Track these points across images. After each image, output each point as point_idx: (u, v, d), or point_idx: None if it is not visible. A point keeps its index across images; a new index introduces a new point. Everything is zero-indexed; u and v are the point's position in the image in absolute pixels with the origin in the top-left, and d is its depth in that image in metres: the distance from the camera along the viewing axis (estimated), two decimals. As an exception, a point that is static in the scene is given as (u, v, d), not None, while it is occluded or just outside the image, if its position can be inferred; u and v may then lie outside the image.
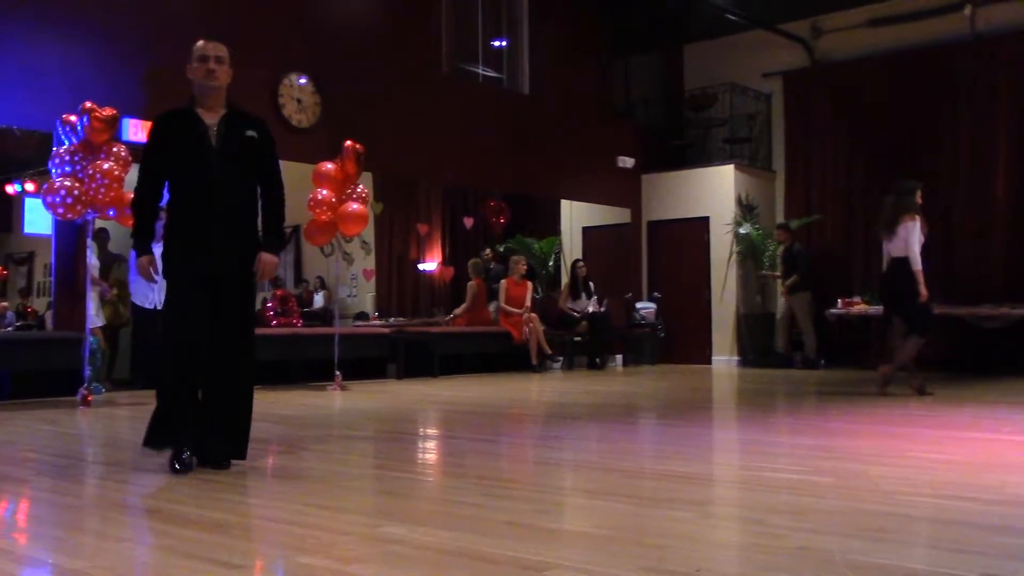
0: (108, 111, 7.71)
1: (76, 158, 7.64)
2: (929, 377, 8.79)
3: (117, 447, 5.56)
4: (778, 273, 13.43)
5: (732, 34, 14.59)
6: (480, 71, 13.14)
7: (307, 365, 10.21)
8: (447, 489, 4.12)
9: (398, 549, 2.86)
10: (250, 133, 4.43)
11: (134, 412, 7.25)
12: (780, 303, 13.99)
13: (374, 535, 3.08)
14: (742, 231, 13.69)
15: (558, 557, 2.76)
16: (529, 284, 12.67)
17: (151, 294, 9.50)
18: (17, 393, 8.16)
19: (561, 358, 13.06)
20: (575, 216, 15.01)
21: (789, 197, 14.43)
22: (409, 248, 15.38)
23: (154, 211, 4.43)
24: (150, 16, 9.45)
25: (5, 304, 13.44)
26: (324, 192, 9.12)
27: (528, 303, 12.37)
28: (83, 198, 7.51)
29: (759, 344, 13.75)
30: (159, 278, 4.51)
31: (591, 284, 13.32)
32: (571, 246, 14.89)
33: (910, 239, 8.10)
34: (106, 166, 7.59)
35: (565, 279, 13.96)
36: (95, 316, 8.58)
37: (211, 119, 4.38)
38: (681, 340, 14.12)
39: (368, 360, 10.75)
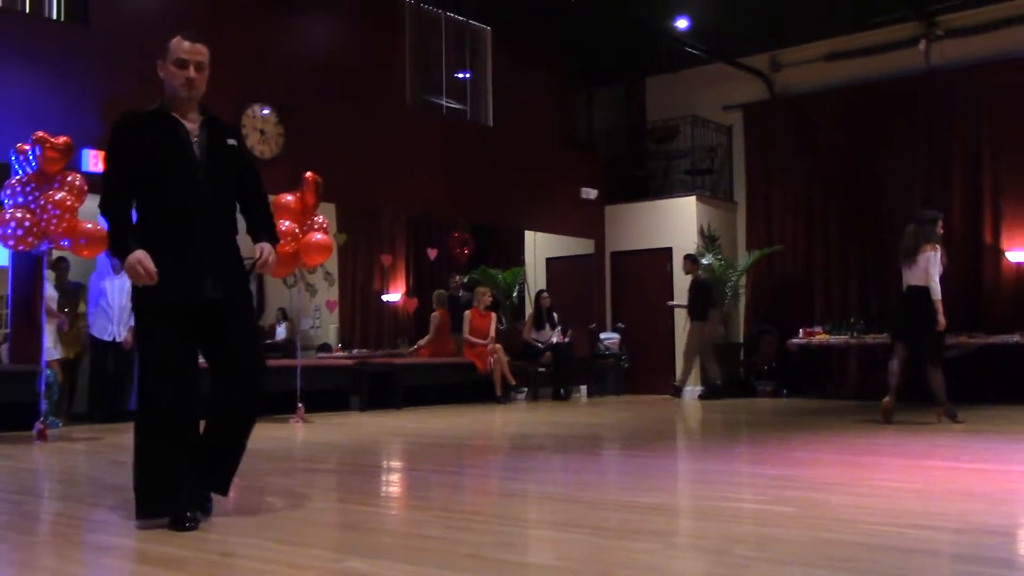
0: (62, 139, 7.54)
1: (29, 188, 7.47)
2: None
3: (74, 483, 5.45)
4: (684, 303, 13.42)
5: (693, 67, 14.80)
6: (444, 103, 13.20)
7: (269, 397, 10.02)
8: (410, 522, 4.08)
9: (360, 584, 2.83)
10: (231, 142, 3.97)
11: (91, 447, 7.12)
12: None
13: (337, 570, 3.04)
14: (704, 262, 13.80)
15: (522, 590, 2.73)
16: (493, 315, 12.67)
17: (109, 326, 9.40)
18: (-28, 427, 8.00)
19: (525, 389, 13.04)
20: (539, 247, 15.06)
21: (750, 228, 14.59)
22: (373, 279, 15.32)
23: (130, 215, 3.80)
24: (109, 45, 9.40)
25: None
26: (287, 223, 9.08)
27: (492, 334, 12.36)
28: (35, 229, 7.35)
29: (723, 374, 13.80)
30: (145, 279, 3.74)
31: (555, 315, 13.34)
32: (535, 277, 14.92)
33: (930, 269, 8.24)
34: (58, 196, 7.41)
35: (529, 310, 13.97)
36: (52, 348, 8.44)
37: (189, 125, 3.84)
38: (645, 370, 14.16)
39: (331, 392, 10.67)
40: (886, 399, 8.48)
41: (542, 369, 13.10)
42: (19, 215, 7.37)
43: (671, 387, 13.27)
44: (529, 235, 14.89)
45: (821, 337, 12.72)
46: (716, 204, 14.52)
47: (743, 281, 14.16)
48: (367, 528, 3.89)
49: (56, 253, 8.74)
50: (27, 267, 8.59)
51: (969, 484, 4.89)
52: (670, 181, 15.12)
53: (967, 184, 12.58)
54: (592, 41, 14.30)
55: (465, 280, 14.35)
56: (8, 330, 9.14)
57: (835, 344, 12.74)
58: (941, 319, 8.21)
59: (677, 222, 14.12)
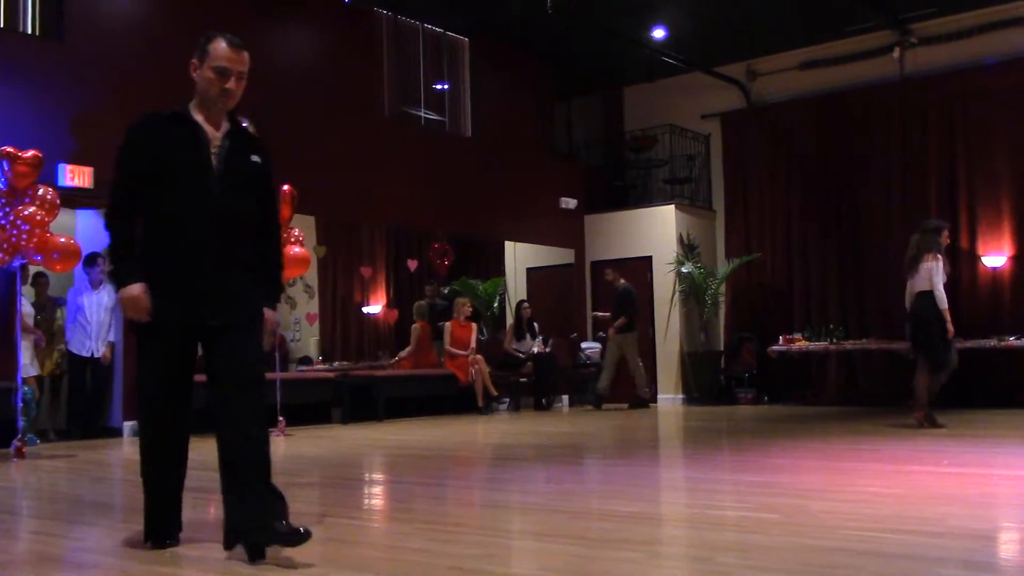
0: (31, 153, 7.42)
1: (0, 203, 7.37)
2: (870, 412, 8.90)
3: (53, 500, 5.40)
4: (606, 313, 13.29)
5: (670, 76, 14.88)
6: (422, 114, 13.21)
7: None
8: (393, 535, 4.07)
9: (343, 598, 2.81)
10: (255, 158, 3.62)
11: (70, 464, 7.05)
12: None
13: (318, 584, 3.02)
14: (684, 270, 13.84)
15: (506, 602, 2.72)
16: (474, 326, 12.65)
17: (88, 342, 9.32)
18: (-53, 446, 7.91)
19: (507, 399, 13.03)
20: (519, 257, 15.06)
21: (729, 236, 14.66)
22: (353, 291, 15.28)
23: (132, 238, 3.49)
24: (84, 60, 9.34)
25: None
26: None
27: (473, 345, 12.35)
28: (5, 245, 7.25)
29: (703, 382, 13.85)
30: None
31: (536, 325, 13.33)
32: (515, 287, 14.93)
33: (934, 277, 8.31)
34: (28, 211, 7.30)
35: (510, 320, 13.97)
36: (29, 365, 8.35)
37: (212, 132, 3.53)
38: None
39: (312, 405, 10.62)
40: (919, 413, 8.46)
41: (523, 380, 13.08)
42: (-12, 231, 7.27)
43: (593, 398, 12.99)
44: (509, 246, 14.90)
45: (801, 344, 12.79)
46: (695, 212, 14.58)
47: (723, 289, 14.22)
48: (350, 541, 3.87)
49: (33, 269, 8.66)
50: (2, 283, 8.50)
51: (949, 488, 4.92)
52: (649, 190, 15.18)
53: (943, 190, 12.68)
54: (570, 51, 14.35)
55: (445, 291, 14.32)
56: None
57: (815, 351, 12.80)
58: (950, 327, 8.30)
59: (656, 231, 14.16)
